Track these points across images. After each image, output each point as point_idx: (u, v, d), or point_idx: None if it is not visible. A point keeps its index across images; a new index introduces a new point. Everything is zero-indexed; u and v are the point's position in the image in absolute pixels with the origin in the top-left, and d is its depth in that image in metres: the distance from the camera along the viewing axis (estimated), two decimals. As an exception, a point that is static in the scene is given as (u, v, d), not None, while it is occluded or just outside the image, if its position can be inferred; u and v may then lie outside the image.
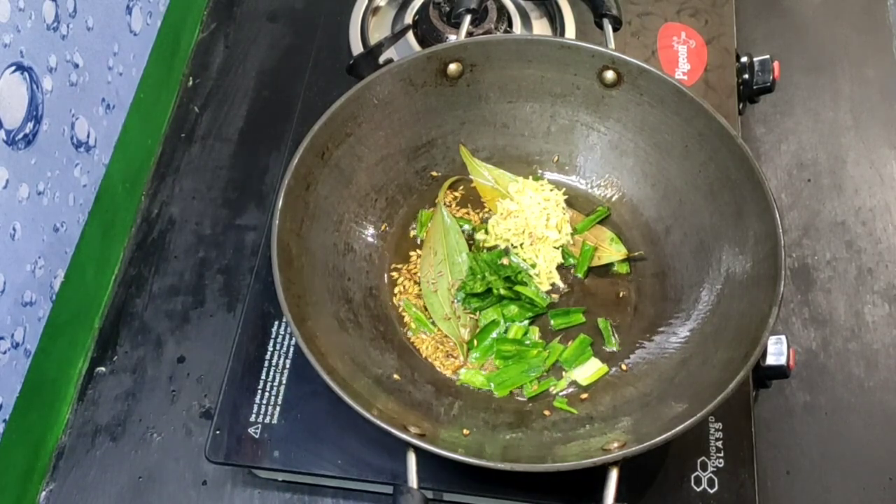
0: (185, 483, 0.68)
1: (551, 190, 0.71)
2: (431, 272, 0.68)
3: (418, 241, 0.70)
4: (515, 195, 0.71)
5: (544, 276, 0.68)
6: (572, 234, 0.70)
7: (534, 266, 0.68)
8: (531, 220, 0.69)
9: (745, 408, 0.63)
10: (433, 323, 0.67)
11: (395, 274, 0.69)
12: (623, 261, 0.69)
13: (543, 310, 0.67)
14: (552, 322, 0.67)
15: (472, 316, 0.67)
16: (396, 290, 0.68)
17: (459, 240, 0.69)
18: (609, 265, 0.69)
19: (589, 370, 0.64)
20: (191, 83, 0.89)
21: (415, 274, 0.69)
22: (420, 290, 0.68)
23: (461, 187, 0.73)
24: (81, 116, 0.70)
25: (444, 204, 0.71)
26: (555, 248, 0.69)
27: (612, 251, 0.70)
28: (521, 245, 0.69)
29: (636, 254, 0.69)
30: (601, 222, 0.71)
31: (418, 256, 0.69)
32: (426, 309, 0.67)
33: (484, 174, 0.72)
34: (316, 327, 0.59)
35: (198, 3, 0.92)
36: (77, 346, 0.73)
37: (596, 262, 0.69)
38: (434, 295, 0.67)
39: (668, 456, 0.62)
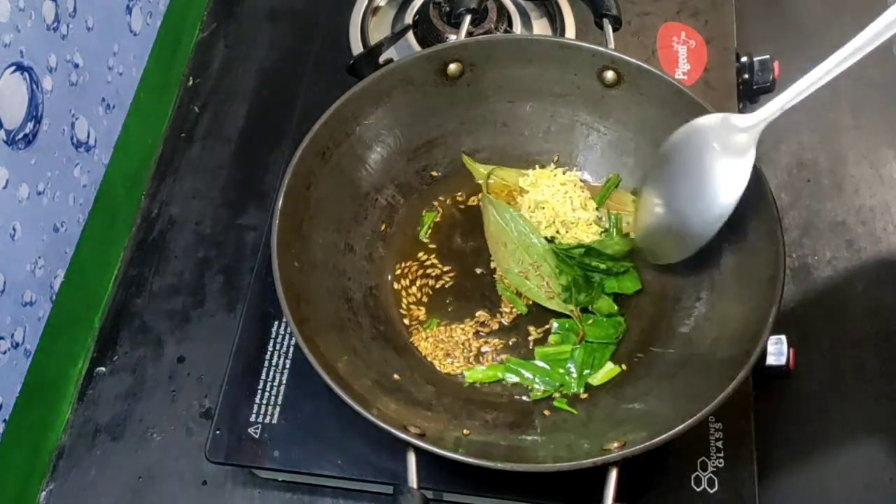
0: (185, 483, 0.68)
1: (564, 173, 0.71)
2: (511, 263, 0.67)
3: (424, 241, 0.70)
4: (531, 189, 0.71)
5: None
6: (597, 208, 0.70)
7: None
8: (557, 207, 0.69)
9: (745, 408, 0.63)
10: (440, 323, 0.67)
11: (396, 271, 0.69)
12: None
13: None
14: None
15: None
16: (398, 289, 0.68)
17: (524, 224, 0.68)
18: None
19: (602, 371, 0.64)
20: (191, 83, 0.89)
21: (416, 272, 0.69)
22: (421, 290, 0.68)
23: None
24: (81, 116, 0.70)
25: (487, 194, 0.71)
26: (588, 226, 0.69)
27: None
28: (558, 233, 0.69)
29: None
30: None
31: (422, 256, 0.69)
32: (519, 295, 0.67)
33: (488, 175, 0.72)
34: (316, 327, 0.59)
35: (198, 3, 0.92)
36: (77, 346, 0.73)
37: (629, 229, 0.69)
38: (526, 281, 0.67)
39: (668, 456, 0.62)
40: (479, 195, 0.72)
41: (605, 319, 0.66)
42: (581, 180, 0.72)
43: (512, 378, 0.64)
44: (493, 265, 0.69)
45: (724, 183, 0.58)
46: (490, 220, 0.69)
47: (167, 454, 0.69)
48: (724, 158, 0.57)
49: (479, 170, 0.72)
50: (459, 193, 0.72)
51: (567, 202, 0.69)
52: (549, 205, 0.69)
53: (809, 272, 0.78)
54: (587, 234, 0.69)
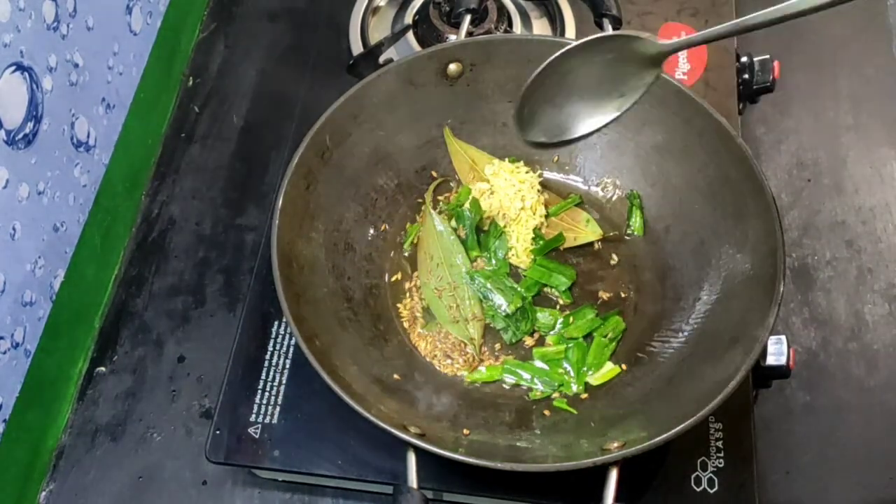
0: (185, 483, 0.68)
1: (527, 172, 0.72)
2: (431, 277, 0.68)
3: (405, 255, 0.70)
4: (491, 177, 0.71)
5: (523, 255, 0.69)
6: (546, 217, 0.71)
7: (511, 249, 0.69)
8: (504, 201, 0.70)
9: (745, 408, 0.63)
10: (437, 322, 0.67)
11: (396, 271, 0.69)
12: (601, 240, 0.70)
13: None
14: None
15: (478, 319, 0.66)
16: (398, 289, 0.68)
17: (455, 242, 0.69)
18: (596, 253, 0.70)
19: (602, 371, 0.64)
20: (191, 83, 0.89)
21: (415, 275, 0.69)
22: (420, 290, 0.68)
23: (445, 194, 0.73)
24: (81, 116, 0.70)
25: (433, 207, 0.71)
26: (527, 227, 0.70)
27: (587, 232, 0.70)
28: (497, 223, 0.70)
29: (611, 234, 0.70)
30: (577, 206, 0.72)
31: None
32: (428, 311, 0.67)
33: (464, 154, 0.72)
34: (316, 327, 0.59)
35: (198, 3, 0.92)
36: (77, 346, 0.73)
37: (571, 244, 0.70)
38: (438, 300, 0.67)
39: (668, 456, 0.62)
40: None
41: (581, 311, 0.67)
42: (542, 184, 0.72)
43: (511, 379, 0.64)
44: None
45: (628, 90, 0.60)
46: (426, 229, 0.69)
47: (167, 454, 0.69)
48: (634, 69, 0.59)
49: (455, 144, 0.72)
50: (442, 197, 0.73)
51: (517, 198, 0.70)
52: (498, 196, 0.70)
53: (809, 272, 0.78)
54: (522, 233, 0.69)
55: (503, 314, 0.66)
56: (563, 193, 0.73)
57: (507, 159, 0.72)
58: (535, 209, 0.70)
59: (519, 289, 0.67)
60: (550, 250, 0.70)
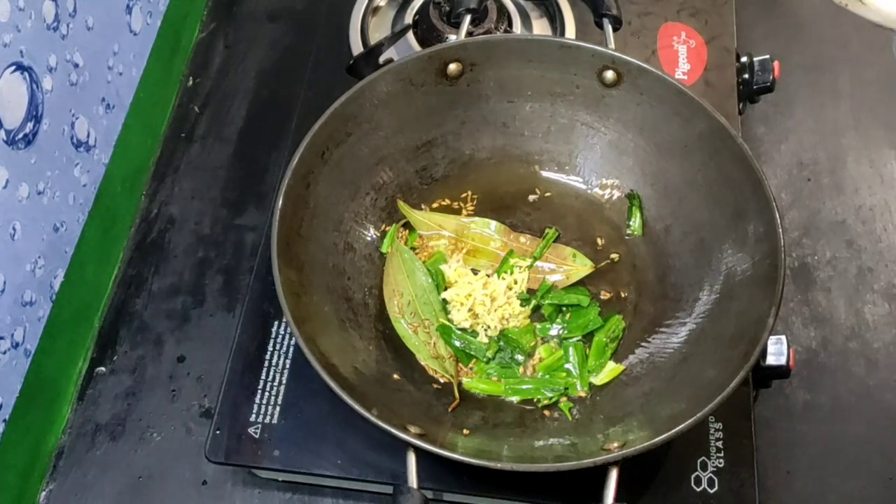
0: (185, 483, 0.68)
1: (520, 271, 0.68)
2: (403, 313, 0.66)
3: (376, 259, 0.68)
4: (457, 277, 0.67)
5: (517, 320, 0.66)
6: (530, 266, 0.68)
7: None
8: (477, 307, 0.66)
9: (745, 408, 0.63)
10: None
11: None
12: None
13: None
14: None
15: (454, 357, 0.65)
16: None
17: (427, 280, 0.66)
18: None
19: (605, 371, 0.64)
20: (191, 83, 0.89)
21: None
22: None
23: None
24: (81, 116, 0.70)
25: (404, 241, 0.69)
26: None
27: (578, 268, 0.68)
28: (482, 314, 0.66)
29: (602, 264, 0.69)
30: (557, 240, 0.70)
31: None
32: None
33: (427, 223, 0.70)
34: (316, 327, 0.59)
35: (198, 3, 0.92)
36: (77, 346, 0.73)
37: (566, 283, 0.68)
38: (413, 336, 0.65)
39: (668, 456, 0.62)
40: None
41: (580, 310, 0.66)
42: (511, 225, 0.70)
43: (515, 398, 0.63)
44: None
45: None
46: (394, 265, 0.67)
47: (167, 454, 0.69)
48: None
49: (416, 217, 0.70)
50: (464, 193, 0.72)
51: (486, 301, 0.66)
52: (469, 298, 0.66)
53: (809, 272, 0.78)
54: (507, 311, 0.66)
55: (485, 360, 0.65)
56: (537, 225, 0.71)
57: (493, 274, 0.68)
58: (520, 289, 0.67)
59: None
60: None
